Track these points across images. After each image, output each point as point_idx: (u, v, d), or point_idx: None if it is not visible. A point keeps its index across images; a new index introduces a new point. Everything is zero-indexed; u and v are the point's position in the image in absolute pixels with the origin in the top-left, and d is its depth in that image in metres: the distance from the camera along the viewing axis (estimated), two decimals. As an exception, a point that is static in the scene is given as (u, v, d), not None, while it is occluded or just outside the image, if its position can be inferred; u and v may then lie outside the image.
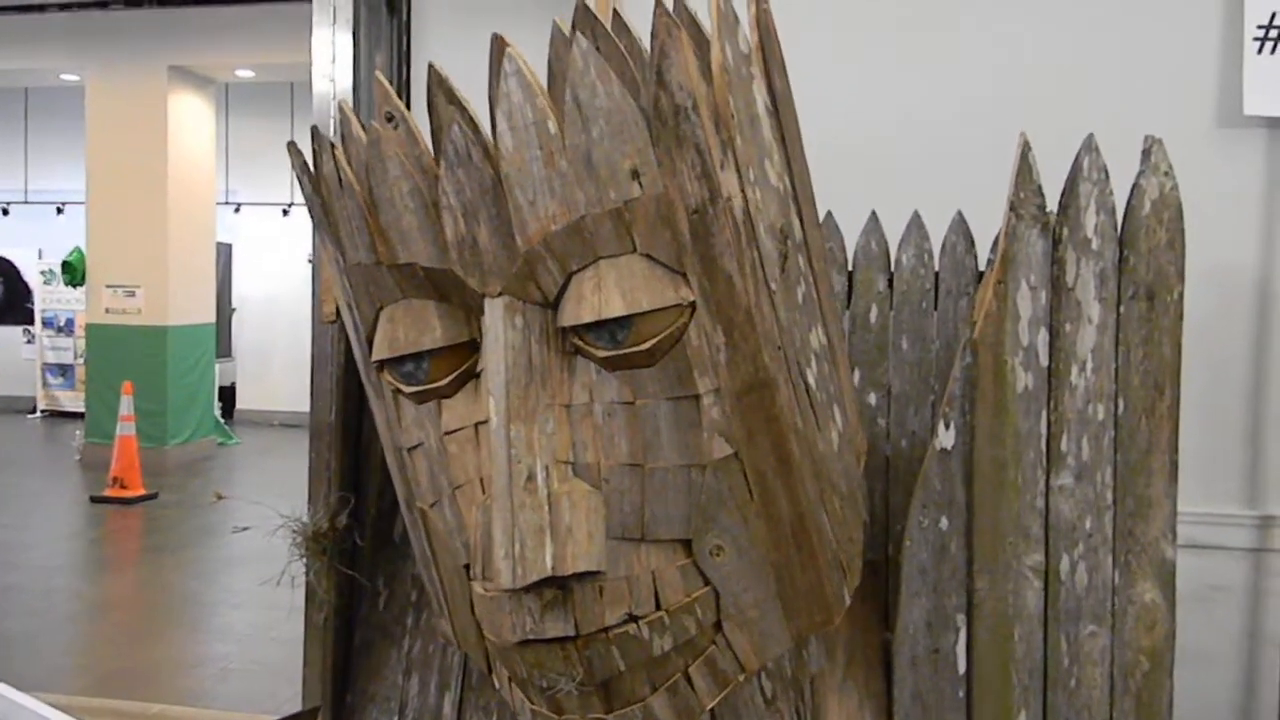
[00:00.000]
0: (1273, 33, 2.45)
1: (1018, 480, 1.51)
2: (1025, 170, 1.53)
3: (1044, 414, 1.52)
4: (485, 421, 1.18)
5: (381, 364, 1.27)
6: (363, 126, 1.25)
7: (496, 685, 1.32)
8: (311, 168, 1.27)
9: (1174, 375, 1.52)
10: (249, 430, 10.87)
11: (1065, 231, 1.52)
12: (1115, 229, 1.52)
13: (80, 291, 10.35)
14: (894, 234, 1.80)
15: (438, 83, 1.32)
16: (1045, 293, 1.52)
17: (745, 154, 1.22)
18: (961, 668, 1.50)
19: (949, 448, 1.52)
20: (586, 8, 1.37)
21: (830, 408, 1.38)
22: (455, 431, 1.23)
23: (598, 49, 1.14)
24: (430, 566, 1.33)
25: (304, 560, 1.64)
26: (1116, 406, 1.52)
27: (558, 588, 1.15)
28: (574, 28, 1.34)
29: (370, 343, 1.28)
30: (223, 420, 10.34)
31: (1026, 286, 1.52)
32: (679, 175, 1.14)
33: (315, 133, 1.26)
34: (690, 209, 1.14)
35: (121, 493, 7.44)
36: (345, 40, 2.82)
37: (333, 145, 1.23)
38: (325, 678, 1.71)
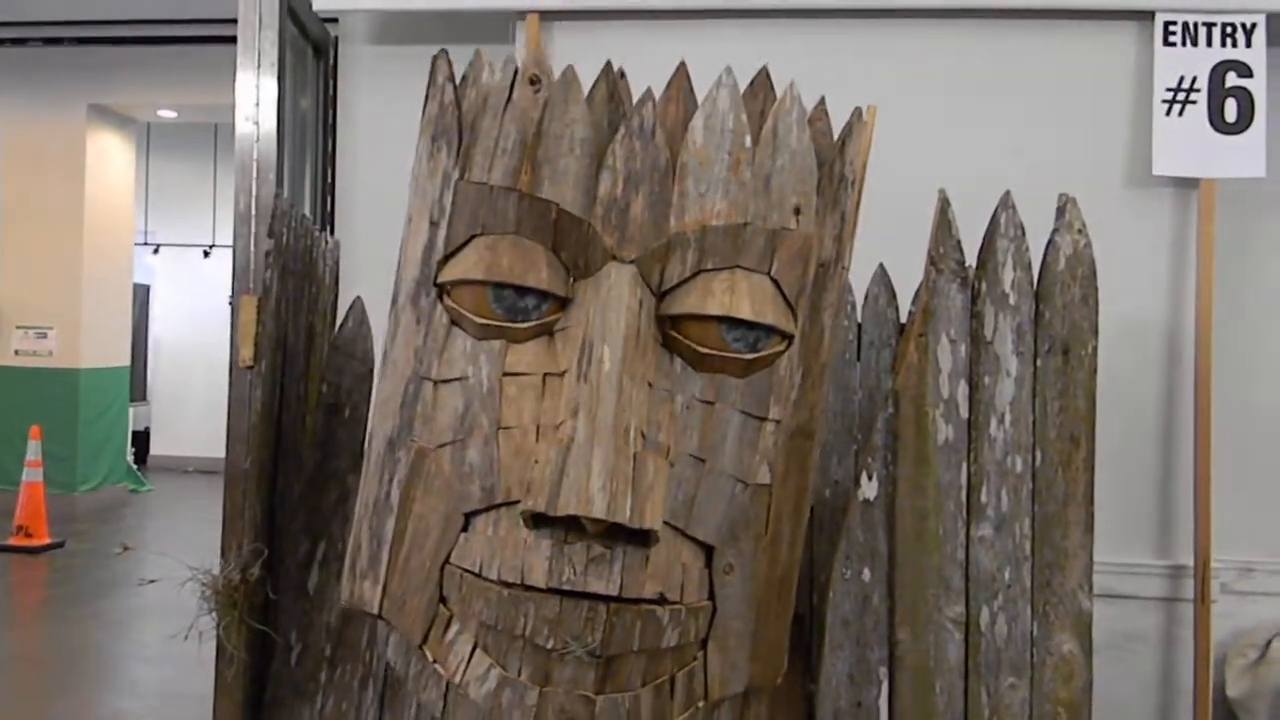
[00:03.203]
0: (1180, 95, 2.54)
1: (939, 531, 1.52)
2: (944, 226, 1.56)
3: (964, 465, 1.53)
4: (557, 374, 1.22)
5: (443, 289, 1.28)
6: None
7: (430, 658, 1.25)
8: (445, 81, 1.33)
9: (1089, 428, 1.55)
10: (162, 477, 10.57)
11: (984, 286, 1.55)
12: (1031, 284, 1.56)
13: (-12, 331, 10.05)
14: (817, 286, 1.81)
15: (607, 70, 1.42)
16: (965, 346, 1.54)
17: (852, 241, 1.40)
18: (884, 721, 1.50)
19: (871, 499, 1.53)
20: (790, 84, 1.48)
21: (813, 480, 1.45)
22: (519, 375, 1.24)
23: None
24: (389, 514, 1.28)
25: (213, 614, 1.59)
26: (1034, 458, 1.54)
27: (606, 546, 1.16)
28: (763, 81, 1.46)
29: (439, 265, 1.28)
30: (135, 466, 10.05)
31: (947, 339, 1.54)
32: (824, 229, 1.31)
33: (479, 54, 1.33)
34: (820, 261, 1.31)
35: (26, 541, 7.16)
36: (270, 83, 2.79)
37: (518, 68, 1.28)
38: (234, 736, 1.65)
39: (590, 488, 1.12)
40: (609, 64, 1.42)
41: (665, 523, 1.19)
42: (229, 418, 2.21)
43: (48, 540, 7.39)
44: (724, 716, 1.39)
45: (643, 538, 1.17)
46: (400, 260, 1.39)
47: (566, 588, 1.15)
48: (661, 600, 1.19)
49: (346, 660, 1.60)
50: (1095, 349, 1.55)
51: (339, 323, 1.81)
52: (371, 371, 1.77)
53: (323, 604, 1.65)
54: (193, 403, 11.51)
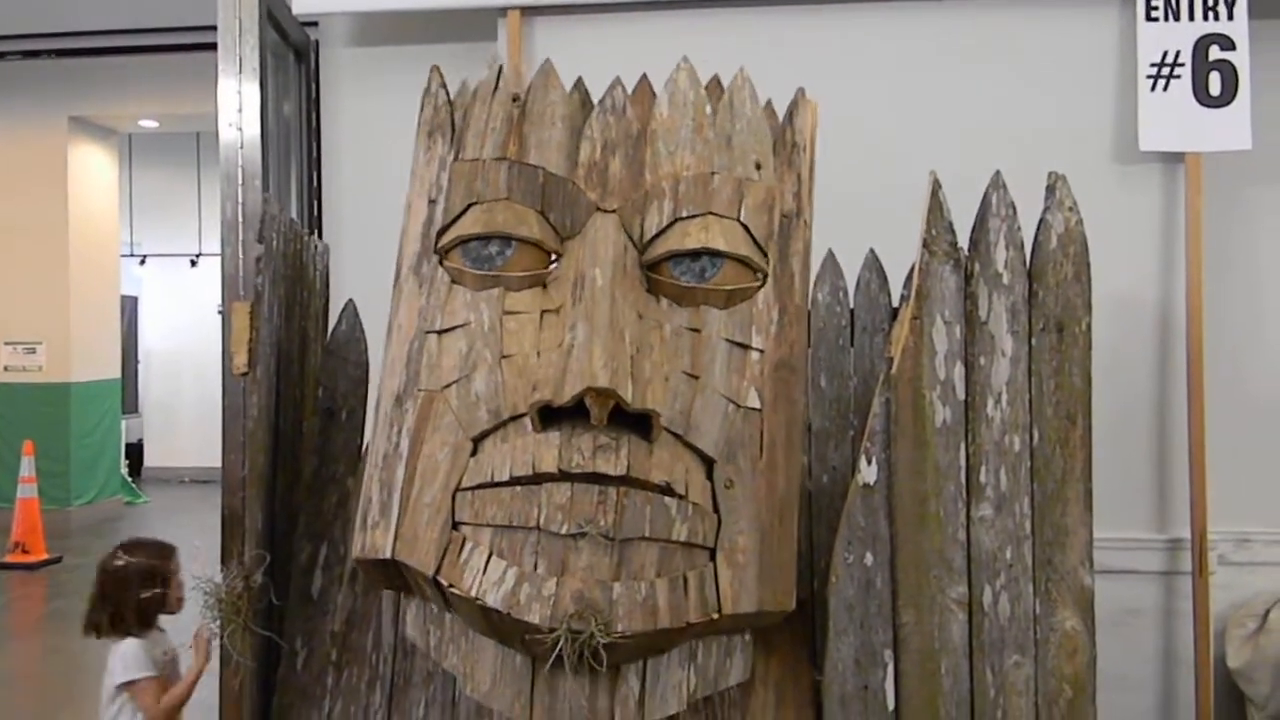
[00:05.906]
0: (1164, 70, 2.55)
1: (939, 513, 1.52)
2: (936, 208, 1.56)
3: (962, 447, 1.53)
4: (553, 309, 1.37)
5: (444, 250, 1.43)
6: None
7: (445, 584, 1.29)
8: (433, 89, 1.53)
9: (1085, 405, 1.55)
10: (157, 488, 10.52)
11: (976, 267, 1.55)
12: (1024, 263, 1.56)
13: (-24, 349, 10.00)
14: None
15: (579, 82, 1.62)
16: (959, 327, 1.54)
17: (811, 200, 1.54)
18: (891, 704, 1.50)
19: (871, 483, 1.53)
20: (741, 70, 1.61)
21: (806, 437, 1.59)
22: (517, 314, 1.39)
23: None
24: (399, 462, 1.36)
25: (217, 622, 1.58)
26: (1032, 437, 1.54)
27: (611, 438, 1.27)
28: (715, 84, 1.62)
29: (439, 234, 1.45)
30: (130, 478, 10.01)
31: (941, 321, 1.54)
32: (784, 185, 1.48)
33: (464, 83, 1.54)
34: (783, 212, 1.47)
35: (23, 558, 7.13)
36: (252, 89, 2.77)
37: (501, 66, 1.50)
38: (242, 744, 1.65)
39: (594, 367, 1.25)
40: (580, 79, 1.61)
41: (665, 429, 1.30)
42: (224, 425, 2.19)
43: (45, 556, 7.36)
44: (729, 666, 1.42)
45: (645, 430, 1.28)
46: (401, 242, 1.50)
47: (576, 470, 1.25)
48: (669, 490, 1.28)
49: (353, 664, 1.60)
50: (1089, 325, 1.55)
51: (332, 326, 1.81)
52: (367, 375, 1.77)
53: (327, 608, 1.64)
54: (185, 413, 11.48)
